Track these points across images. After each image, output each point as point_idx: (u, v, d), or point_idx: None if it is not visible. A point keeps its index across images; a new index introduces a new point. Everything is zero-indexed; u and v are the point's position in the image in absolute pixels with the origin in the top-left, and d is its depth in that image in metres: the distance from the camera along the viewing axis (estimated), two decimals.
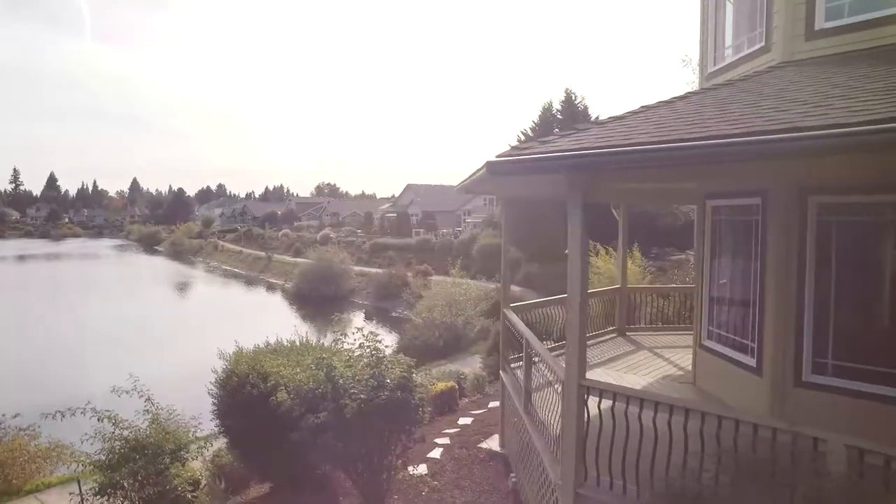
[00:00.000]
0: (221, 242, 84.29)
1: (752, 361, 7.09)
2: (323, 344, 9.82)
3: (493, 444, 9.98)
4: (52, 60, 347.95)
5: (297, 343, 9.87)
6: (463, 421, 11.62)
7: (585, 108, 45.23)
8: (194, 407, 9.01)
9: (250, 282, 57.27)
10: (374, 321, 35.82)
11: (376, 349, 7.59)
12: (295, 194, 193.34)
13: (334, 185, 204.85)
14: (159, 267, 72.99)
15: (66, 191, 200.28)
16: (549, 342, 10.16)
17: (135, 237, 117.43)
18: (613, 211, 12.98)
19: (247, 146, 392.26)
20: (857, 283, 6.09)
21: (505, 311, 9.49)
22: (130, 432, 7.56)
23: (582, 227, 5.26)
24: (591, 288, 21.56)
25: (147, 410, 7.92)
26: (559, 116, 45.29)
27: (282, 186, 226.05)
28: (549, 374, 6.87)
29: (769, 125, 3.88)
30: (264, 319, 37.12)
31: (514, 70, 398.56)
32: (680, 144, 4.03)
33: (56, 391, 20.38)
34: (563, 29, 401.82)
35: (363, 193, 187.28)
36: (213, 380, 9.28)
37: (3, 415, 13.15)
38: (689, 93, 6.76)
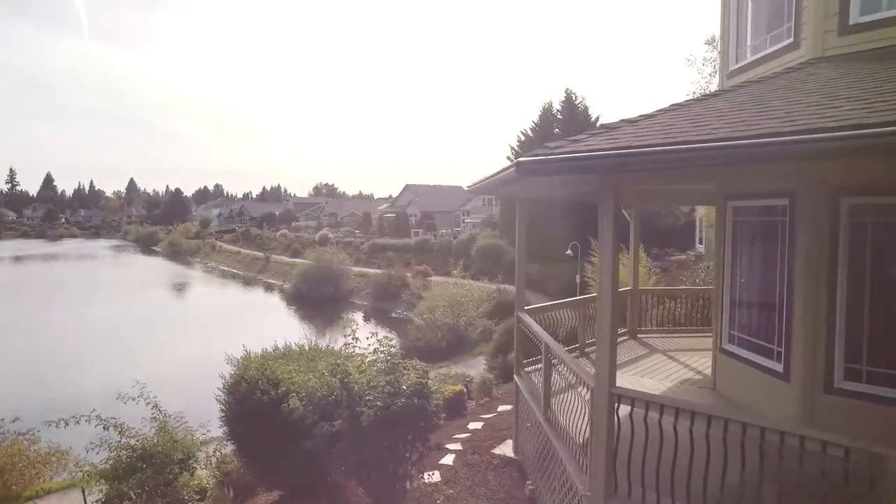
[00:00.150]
0: (219, 243, 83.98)
1: (778, 366, 6.90)
2: (333, 348, 9.59)
3: (506, 449, 9.76)
4: (48, 60, 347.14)
5: (306, 347, 9.64)
6: (473, 425, 11.39)
7: (586, 108, 45.07)
8: (194, 407, 8.82)
9: (248, 282, 57.01)
10: (374, 322, 35.64)
11: (391, 354, 7.38)
12: (293, 194, 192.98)
13: (332, 185, 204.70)
14: (157, 267, 72.64)
15: (63, 191, 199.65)
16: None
17: (132, 237, 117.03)
18: (624, 212, 12.77)
19: (244, 146, 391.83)
20: (894, 287, 5.89)
21: (520, 315, 9.28)
22: (137, 441, 7.33)
23: (614, 229, 5.06)
24: (592, 289, 21.53)
25: (154, 418, 7.68)
26: (559, 116, 45.13)
27: (279, 187, 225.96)
28: (571, 378, 6.66)
29: (822, 122, 3.67)
30: (264, 320, 36.94)
31: (513, 70, 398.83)
32: (727, 144, 3.82)
33: (55, 391, 20.19)
34: (563, 29, 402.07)
35: (360, 194, 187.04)
36: (221, 385, 9.04)
37: (2, 419, 12.91)
38: (721, 90, 6.56)
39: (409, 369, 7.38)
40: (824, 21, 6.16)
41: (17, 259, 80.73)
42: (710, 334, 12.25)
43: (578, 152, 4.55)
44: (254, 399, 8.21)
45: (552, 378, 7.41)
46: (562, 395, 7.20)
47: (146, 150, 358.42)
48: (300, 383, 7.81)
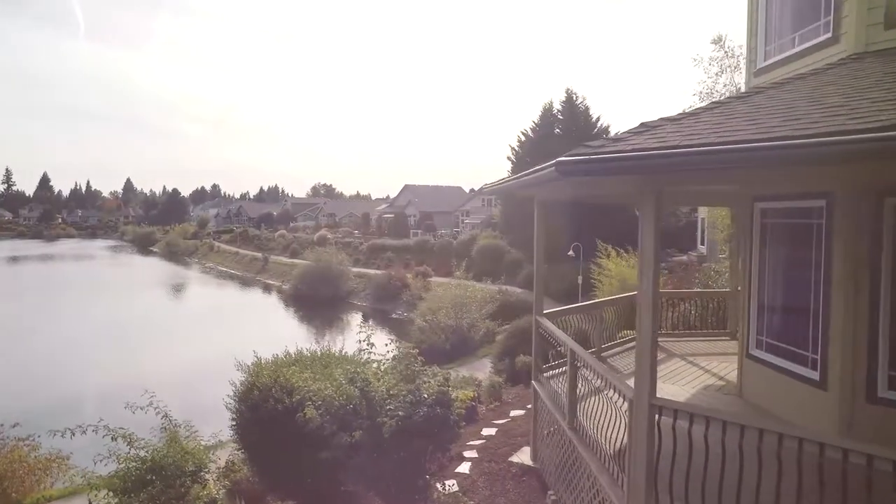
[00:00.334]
0: (217, 243, 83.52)
1: (813, 374, 6.65)
2: (346, 354, 9.30)
3: (524, 457, 9.51)
4: (44, 59, 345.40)
5: (318, 353, 9.36)
6: (487, 431, 11.13)
7: (587, 108, 44.85)
8: (195, 406, 8.56)
9: (247, 283, 56.65)
10: (374, 322, 35.38)
11: (411, 360, 7.12)
12: (290, 195, 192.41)
13: (330, 185, 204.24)
14: (155, 268, 72.23)
15: (60, 191, 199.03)
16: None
17: (129, 238, 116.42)
18: (637, 213, 12.50)
19: (242, 146, 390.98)
20: None
21: (538, 319, 9.02)
22: (147, 452, 7.04)
23: (656, 232, 4.82)
24: (599, 292, 21.31)
25: (164, 428, 7.39)
26: (560, 117, 44.91)
27: (277, 187, 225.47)
28: (598, 383, 6.42)
29: (891, 119, 3.43)
30: (264, 321, 36.69)
31: (512, 70, 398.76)
32: (790, 143, 3.56)
33: (54, 393, 19.89)
34: (562, 29, 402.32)
35: (358, 194, 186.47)
36: (231, 392, 8.75)
37: (2, 424, 12.62)
38: (762, 87, 6.29)
39: (429, 376, 7.13)
40: (868, 14, 5.92)
41: (14, 259, 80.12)
42: (726, 337, 12.12)
43: (624, 152, 4.30)
44: (267, 407, 7.93)
45: (577, 386, 7.16)
46: (586, 402, 6.95)
47: (143, 151, 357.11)
48: (316, 391, 7.54)
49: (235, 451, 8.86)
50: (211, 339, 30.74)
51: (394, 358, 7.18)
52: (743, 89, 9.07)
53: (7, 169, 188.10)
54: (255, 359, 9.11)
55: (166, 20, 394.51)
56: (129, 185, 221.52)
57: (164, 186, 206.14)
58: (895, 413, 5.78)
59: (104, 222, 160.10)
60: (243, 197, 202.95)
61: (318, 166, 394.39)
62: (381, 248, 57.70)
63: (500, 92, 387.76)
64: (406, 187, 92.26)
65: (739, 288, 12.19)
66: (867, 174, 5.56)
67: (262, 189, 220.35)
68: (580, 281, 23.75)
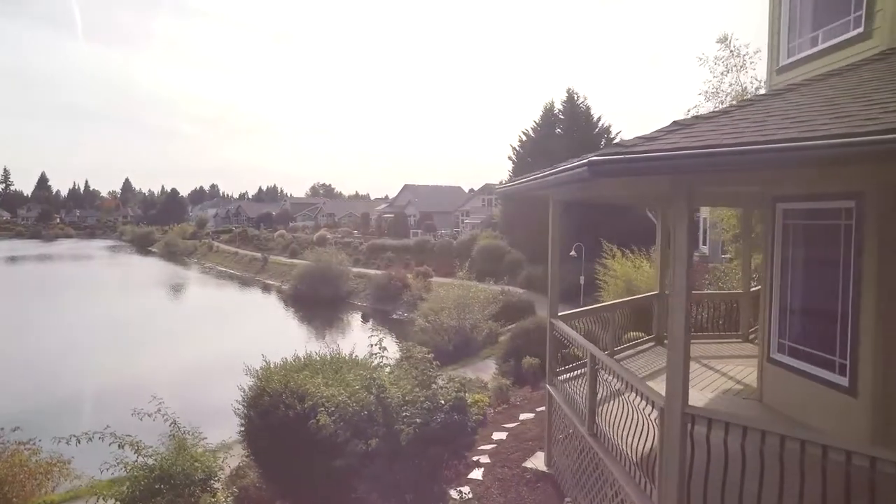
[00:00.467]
0: (216, 243, 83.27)
1: (842, 380, 6.46)
2: (357, 358, 9.10)
3: (537, 462, 9.31)
4: (42, 59, 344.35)
5: (328, 357, 9.16)
6: (497, 435, 10.93)
7: (588, 108, 44.70)
8: (196, 406, 8.36)
9: (246, 283, 56.42)
10: (374, 323, 35.18)
11: (427, 366, 6.93)
12: (289, 195, 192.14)
13: (329, 185, 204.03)
14: (154, 268, 71.96)
15: (58, 191, 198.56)
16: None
17: (128, 238, 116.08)
18: (649, 213, 12.34)
19: (240, 146, 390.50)
20: None
21: (553, 322, 8.84)
22: (155, 460, 6.84)
23: (689, 234, 4.63)
24: (605, 293, 21.13)
25: (173, 435, 7.19)
26: (561, 117, 44.76)
27: (276, 187, 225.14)
28: (619, 386, 6.24)
29: None
30: (264, 321, 36.49)
31: (512, 70, 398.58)
32: (845, 141, 3.37)
33: (53, 394, 19.70)
34: (563, 28, 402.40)
35: (357, 194, 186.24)
36: (240, 398, 8.55)
37: (2, 428, 12.41)
38: (796, 85, 6.08)
39: (445, 381, 6.93)
40: None
41: (12, 260, 79.79)
42: (739, 339, 11.95)
43: (660, 151, 4.10)
44: (278, 413, 7.73)
45: (596, 390, 6.97)
46: (605, 406, 6.77)
47: (141, 150, 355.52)
48: (329, 397, 7.33)
49: (244, 458, 8.64)
50: (211, 340, 30.56)
51: (399, 360, 6.98)
52: (762, 88, 8.87)
53: (5, 168, 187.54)
54: (264, 363, 8.90)
55: (165, 20, 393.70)
56: (127, 185, 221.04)
57: (163, 186, 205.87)
58: None
59: (102, 222, 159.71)
60: (242, 197, 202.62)
61: (318, 166, 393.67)
62: (381, 248, 57.51)
63: (501, 92, 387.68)
64: (406, 187, 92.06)
65: (752, 289, 12.06)
66: None
67: (261, 189, 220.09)
68: (582, 281, 23.54)
